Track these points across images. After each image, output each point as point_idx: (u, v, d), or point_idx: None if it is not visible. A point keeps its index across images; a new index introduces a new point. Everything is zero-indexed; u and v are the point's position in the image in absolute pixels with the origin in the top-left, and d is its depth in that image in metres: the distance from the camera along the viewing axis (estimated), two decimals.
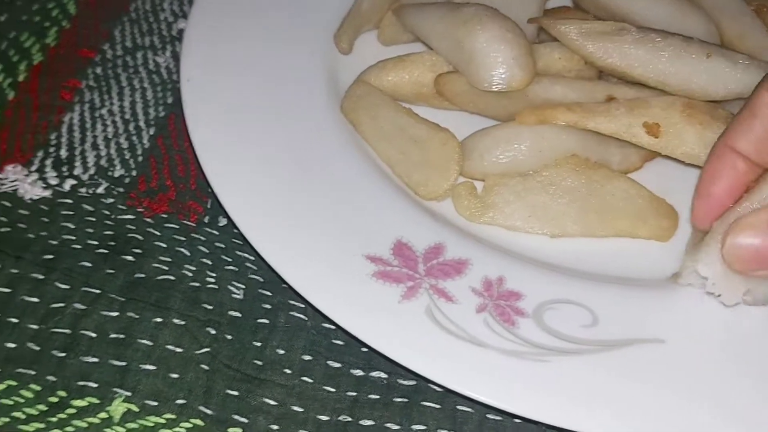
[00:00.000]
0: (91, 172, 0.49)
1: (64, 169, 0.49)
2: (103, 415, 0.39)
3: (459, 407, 0.40)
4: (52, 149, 0.50)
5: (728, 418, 0.37)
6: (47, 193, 0.48)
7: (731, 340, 0.40)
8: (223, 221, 0.47)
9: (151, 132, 0.51)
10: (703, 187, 0.39)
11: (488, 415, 0.40)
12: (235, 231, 0.45)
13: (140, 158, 0.50)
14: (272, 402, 0.40)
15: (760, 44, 0.52)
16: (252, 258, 0.45)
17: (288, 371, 0.41)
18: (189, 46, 0.50)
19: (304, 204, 0.44)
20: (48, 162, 0.49)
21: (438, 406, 0.40)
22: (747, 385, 0.38)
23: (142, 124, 0.52)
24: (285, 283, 0.41)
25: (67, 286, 0.44)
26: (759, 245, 0.37)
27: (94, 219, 0.47)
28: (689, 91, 0.47)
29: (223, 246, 0.46)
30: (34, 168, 0.49)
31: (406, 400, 0.41)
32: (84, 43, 0.56)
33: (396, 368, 0.41)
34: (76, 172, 0.49)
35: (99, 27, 0.58)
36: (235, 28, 0.52)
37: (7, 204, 0.47)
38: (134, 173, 0.49)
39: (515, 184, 0.45)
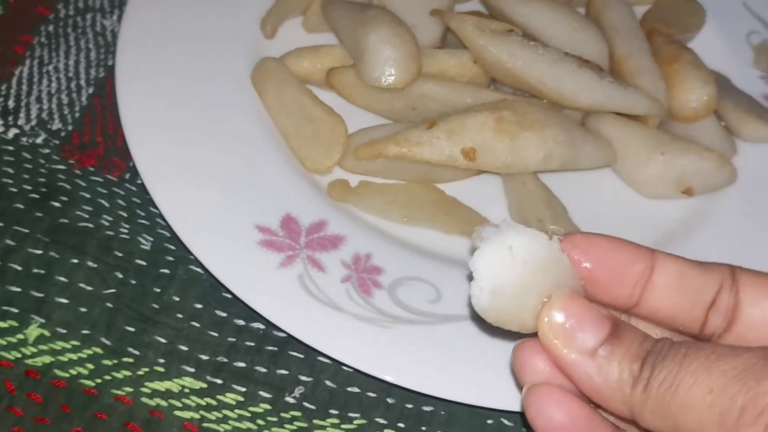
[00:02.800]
0: (33, 123, 0.55)
1: (10, 118, 0.55)
2: (20, 336, 0.47)
3: (319, 359, 0.48)
4: (1, 99, 0.56)
5: None
6: None
7: None
8: (141, 179, 0.54)
9: (90, 91, 0.57)
10: None
11: (343, 367, 0.48)
12: None
13: (77, 114, 0.56)
14: (162, 340, 0.48)
15: (642, 65, 0.58)
16: (161, 214, 0.52)
17: (180, 316, 0.49)
18: (128, 19, 0.56)
19: (210, 174, 0.50)
20: None
21: (302, 356, 0.48)
22: None
23: (83, 82, 0.58)
24: None
25: (0, 224, 0.50)
26: None
27: (30, 166, 0.53)
28: (562, 95, 0.54)
29: (138, 201, 0.53)
30: None
31: (276, 348, 0.48)
32: (41, 0, 0.62)
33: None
34: (20, 122, 0.55)
35: None
36: (172, 5, 0.57)
37: None
38: (70, 128, 0.55)
39: (381, 185, 0.53)
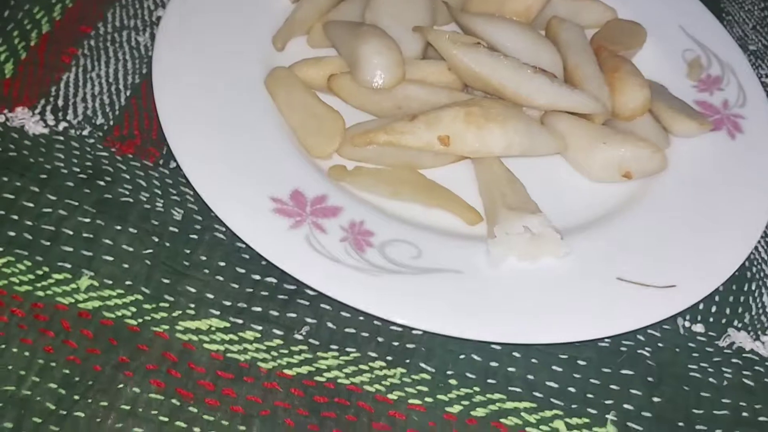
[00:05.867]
0: (80, 118, 0.66)
1: (60, 114, 0.66)
2: (73, 285, 0.56)
3: (322, 305, 0.58)
4: (52, 99, 0.67)
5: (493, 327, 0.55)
6: (46, 131, 0.64)
7: (504, 275, 0.58)
8: (173, 164, 0.64)
9: (128, 93, 0.68)
10: None
11: (341, 312, 0.58)
12: (181, 172, 0.62)
13: (117, 112, 0.67)
14: (192, 290, 0.57)
15: (590, 73, 0.69)
16: (191, 192, 0.62)
17: (206, 271, 0.58)
18: (162, 34, 0.67)
19: (234, 158, 0.61)
20: (48, 108, 0.66)
21: (308, 303, 0.58)
22: (513, 307, 0.56)
23: (121, 87, 0.69)
24: (212, 212, 0.58)
25: (54, 198, 0.60)
26: None
27: (78, 153, 0.64)
28: (520, 96, 0.65)
29: (171, 182, 0.63)
30: (37, 111, 0.66)
31: (286, 297, 0.58)
32: (83, 20, 0.73)
33: (283, 276, 0.58)
34: (68, 117, 0.66)
35: (96, 8, 0.74)
36: (200, 23, 0.68)
37: (16, 136, 0.64)
38: (111, 123, 0.66)
39: (372, 169, 0.63)
